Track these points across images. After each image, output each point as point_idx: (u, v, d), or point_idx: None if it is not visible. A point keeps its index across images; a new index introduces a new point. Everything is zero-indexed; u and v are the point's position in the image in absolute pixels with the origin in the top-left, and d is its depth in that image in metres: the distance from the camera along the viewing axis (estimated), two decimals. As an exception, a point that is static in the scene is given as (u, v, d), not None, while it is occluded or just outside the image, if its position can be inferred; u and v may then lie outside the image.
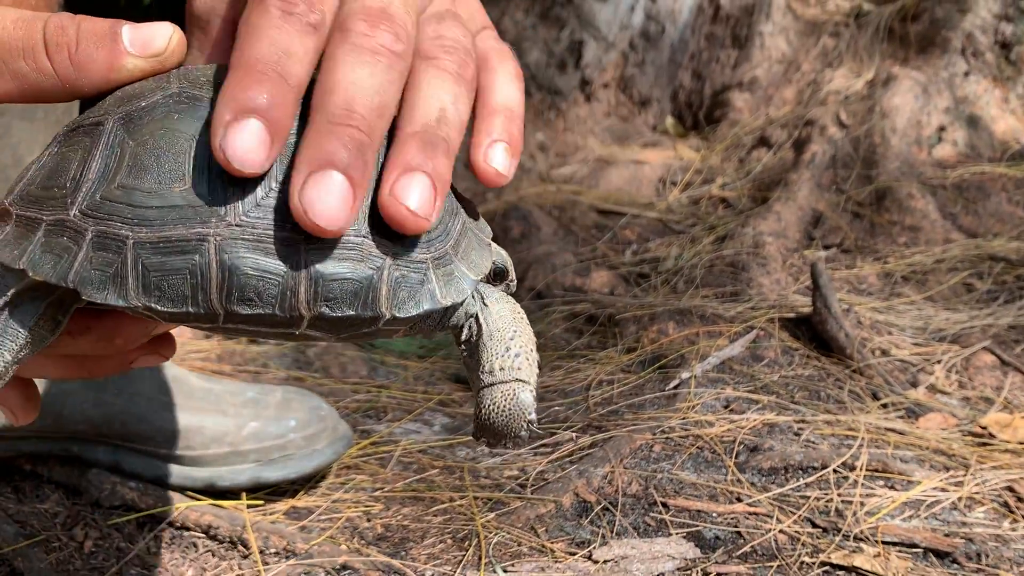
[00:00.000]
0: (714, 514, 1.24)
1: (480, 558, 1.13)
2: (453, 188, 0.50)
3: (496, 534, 1.18)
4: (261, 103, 0.43)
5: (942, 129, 2.79)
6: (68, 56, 0.47)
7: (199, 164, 0.44)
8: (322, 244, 0.44)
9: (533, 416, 0.52)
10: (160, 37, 0.48)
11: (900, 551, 1.17)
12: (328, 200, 0.43)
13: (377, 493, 1.29)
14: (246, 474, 1.21)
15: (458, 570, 1.11)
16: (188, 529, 1.16)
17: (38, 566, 1.06)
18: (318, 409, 1.26)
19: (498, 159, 0.51)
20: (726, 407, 1.54)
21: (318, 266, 0.44)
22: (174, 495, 1.20)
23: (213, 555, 1.13)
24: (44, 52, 0.47)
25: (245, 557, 1.12)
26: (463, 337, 0.53)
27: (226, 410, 1.22)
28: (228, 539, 1.14)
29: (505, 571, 1.10)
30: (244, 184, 0.44)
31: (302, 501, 1.25)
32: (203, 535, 1.15)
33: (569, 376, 1.67)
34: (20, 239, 0.44)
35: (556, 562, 1.12)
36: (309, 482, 1.29)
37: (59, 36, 0.47)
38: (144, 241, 0.43)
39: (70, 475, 1.21)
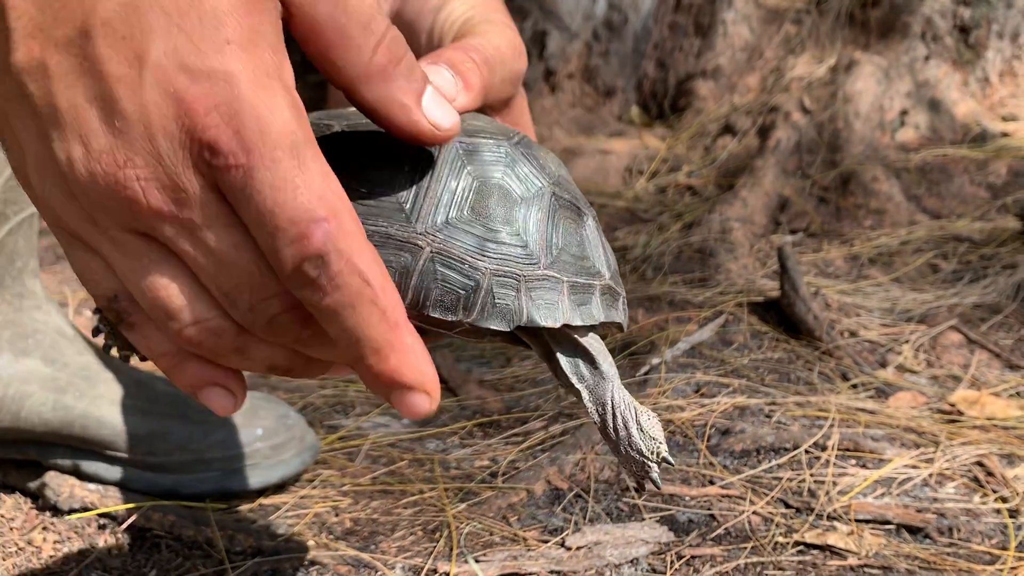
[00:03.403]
0: (687, 498, 1.23)
1: (451, 549, 1.11)
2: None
3: (467, 525, 1.16)
4: None
5: (904, 113, 2.81)
6: None
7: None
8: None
9: None
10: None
11: (873, 528, 1.17)
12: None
13: (345, 488, 1.26)
14: (210, 482, 1.18)
15: (429, 561, 1.09)
16: (151, 530, 1.13)
17: (-6, 572, 1.03)
18: (285, 418, 1.23)
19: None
20: (697, 391, 1.53)
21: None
22: (136, 496, 1.16)
23: (177, 555, 1.10)
24: None
25: (210, 556, 1.09)
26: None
27: (191, 416, 1.18)
28: (192, 538, 1.11)
29: (477, 561, 1.08)
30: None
31: (268, 498, 1.23)
32: (167, 535, 1.12)
33: (539, 365, 1.66)
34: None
35: (529, 550, 1.11)
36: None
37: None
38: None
39: (26, 478, 1.18)
